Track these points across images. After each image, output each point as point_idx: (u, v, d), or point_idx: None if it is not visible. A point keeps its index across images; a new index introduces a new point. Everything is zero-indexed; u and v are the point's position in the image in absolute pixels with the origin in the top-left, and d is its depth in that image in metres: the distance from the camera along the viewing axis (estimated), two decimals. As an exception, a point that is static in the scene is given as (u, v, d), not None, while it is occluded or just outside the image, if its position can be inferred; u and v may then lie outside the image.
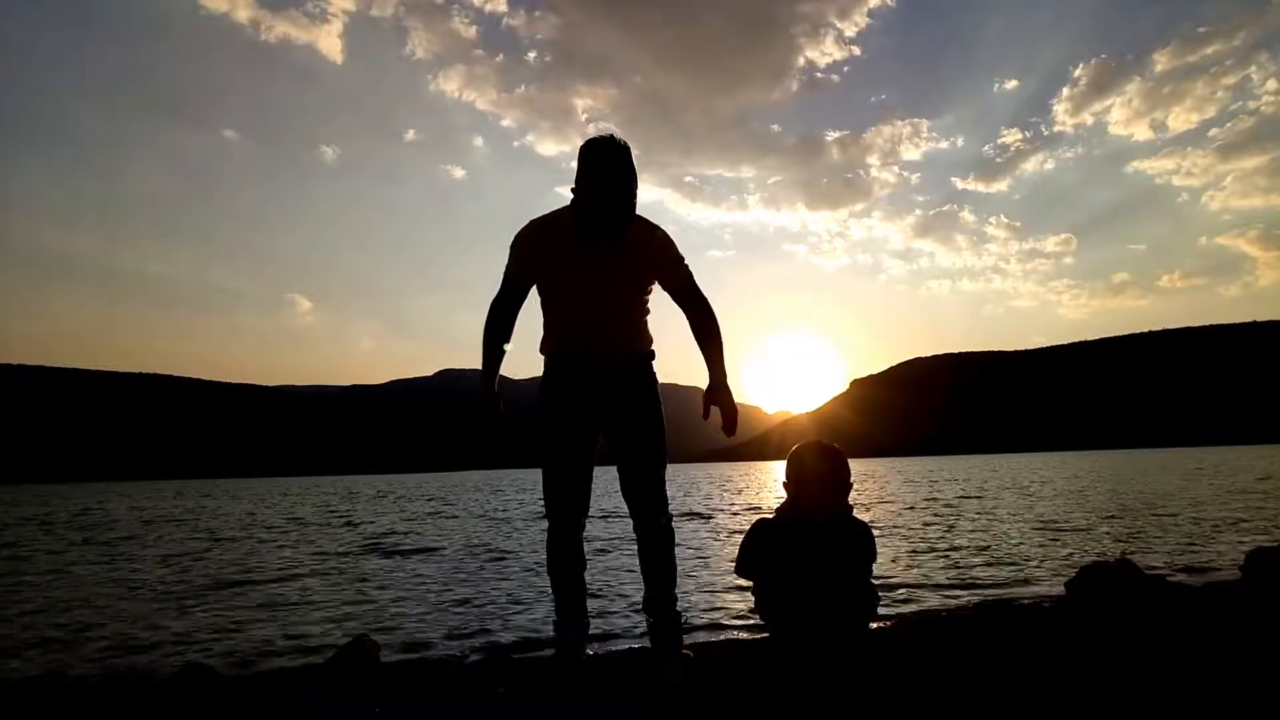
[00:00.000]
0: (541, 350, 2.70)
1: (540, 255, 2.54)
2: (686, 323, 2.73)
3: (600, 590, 5.63)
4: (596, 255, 2.50)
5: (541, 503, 2.62)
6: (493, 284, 2.62)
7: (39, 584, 7.21)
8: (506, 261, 2.61)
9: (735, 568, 2.53)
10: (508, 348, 2.64)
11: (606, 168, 2.39)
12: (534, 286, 2.65)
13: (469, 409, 2.59)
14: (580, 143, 2.46)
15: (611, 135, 2.44)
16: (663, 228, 2.63)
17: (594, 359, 2.59)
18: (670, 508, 2.69)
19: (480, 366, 2.66)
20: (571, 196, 2.50)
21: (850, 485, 2.44)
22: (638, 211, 2.52)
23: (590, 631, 2.74)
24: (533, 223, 2.58)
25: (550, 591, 2.67)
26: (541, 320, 2.71)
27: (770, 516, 2.50)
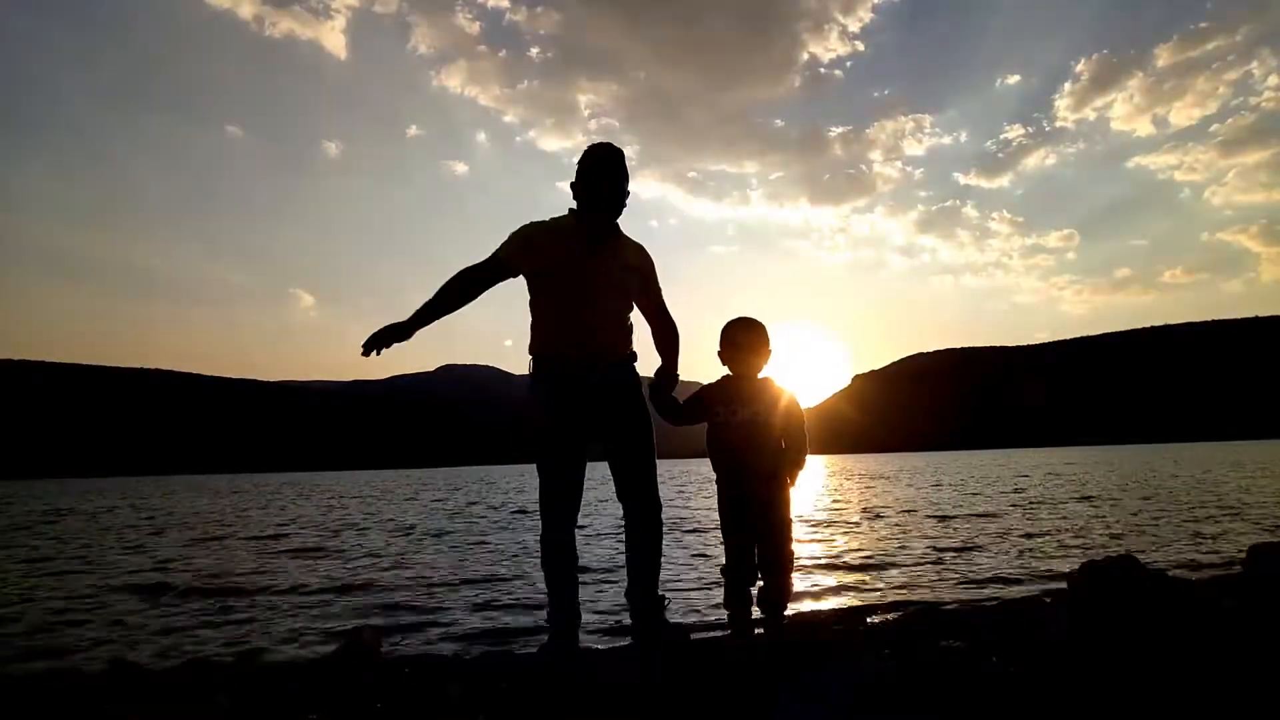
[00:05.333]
0: (531, 350, 2.72)
1: (544, 252, 2.60)
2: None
3: (587, 581, 5.62)
4: (600, 259, 2.62)
5: (531, 498, 2.69)
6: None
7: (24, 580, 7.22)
8: (502, 244, 2.66)
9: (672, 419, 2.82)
10: (450, 316, 2.62)
11: (608, 168, 2.60)
12: (528, 284, 2.70)
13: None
14: (581, 140, 2.79)
15: (608, 142, 2.68)
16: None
17: (588, 360, 2.63)
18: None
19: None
20: (573, 205, 2.67)
21: (769, 351, 2.72)
22: (632, 214, 2.65)
23: (582, 623, 2.78)
24: (537, 223, 2.65)
25: (546, 586, 2.73)
26: (530, 323, 2.75)
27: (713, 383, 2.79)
